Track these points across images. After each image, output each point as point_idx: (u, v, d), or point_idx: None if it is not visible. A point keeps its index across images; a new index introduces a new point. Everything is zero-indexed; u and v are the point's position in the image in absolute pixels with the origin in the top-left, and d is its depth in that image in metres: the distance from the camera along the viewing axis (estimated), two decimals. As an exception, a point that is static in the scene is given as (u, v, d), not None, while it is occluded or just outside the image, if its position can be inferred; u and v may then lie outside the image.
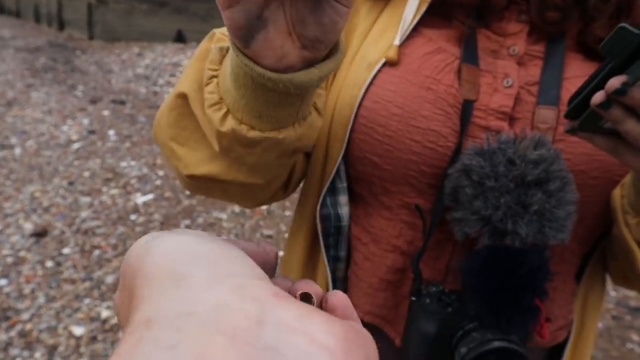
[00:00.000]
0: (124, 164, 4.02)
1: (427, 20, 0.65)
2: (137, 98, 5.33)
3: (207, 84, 0.54)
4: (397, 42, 0.63)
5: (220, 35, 0.59)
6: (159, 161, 4.08)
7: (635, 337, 2.39)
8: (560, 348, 0.70)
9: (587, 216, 0.63)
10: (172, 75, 5.95)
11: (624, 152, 0.49)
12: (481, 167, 0.54)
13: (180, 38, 7.23)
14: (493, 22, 0.65)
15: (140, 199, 3.54)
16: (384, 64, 0.63)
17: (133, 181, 3.76)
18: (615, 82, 0.42)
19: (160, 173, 3.91)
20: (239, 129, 0.51)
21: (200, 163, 0.59)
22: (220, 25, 0.60)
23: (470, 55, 0.62)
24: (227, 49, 0.54)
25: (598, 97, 0.43)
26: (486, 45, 0.64)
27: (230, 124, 0.52)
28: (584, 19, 0.63)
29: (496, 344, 0.54)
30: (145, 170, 3.94)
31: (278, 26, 0.42)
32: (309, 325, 0.20)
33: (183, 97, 0.59)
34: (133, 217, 3.29)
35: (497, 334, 0.55)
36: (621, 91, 0.42)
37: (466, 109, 0.60)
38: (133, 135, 4.52)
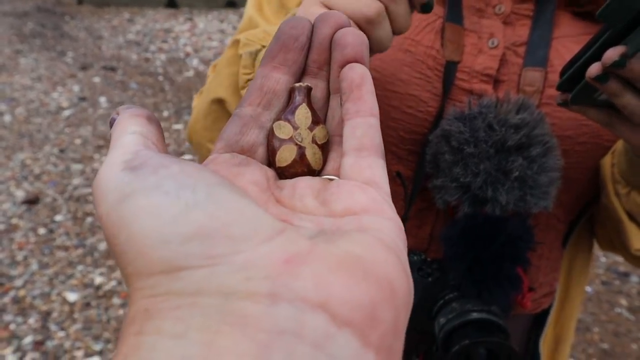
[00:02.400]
0: (115, 131, 3.98)
1: None
2: (129, 64, 5.24)
3: (243, 87, 0.57)
4: None
5: (246, 41, 0.60)
6: (151, 128, 4.04)
7: (623, 301, 2.42)
8: (545, 314, 0.70)
9: (573, 182, 0.61)
10: (164, 41, 5.84)
11: (620, 125, 0.46)
12: (460, 133, 0.53)
13: (171, 3, 7.08)
14: None
15: (132, 166, 3.51)
16: None
17: (125, 149, 3.73)
18: (613, 54, 0.39)
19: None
20: None
21: None
22: None
23: (454, 13, 0.60)
24: (257, 52, 0.57)
25: (594, 69, 0.40)
26: (471, 4, 0.61)
27: None
28: None
29: (474, 315, 0.53)
30: (137, 137, 3.90)
31: None
32: (328, 297, 0.18)
33: (219, 102, 0.61)
34: (125, 184, 3.27)
35: (477, 304, 0.55)
36: (619, 63, 0.39)
37: (449, 71, 0.58)
38: (125, 102, 4.47)
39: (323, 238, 0.20)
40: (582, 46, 0.44)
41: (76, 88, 4.70)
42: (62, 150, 3.64)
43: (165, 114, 4.24)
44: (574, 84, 0.45)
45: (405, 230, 0.64)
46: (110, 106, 4.37)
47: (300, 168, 0.26)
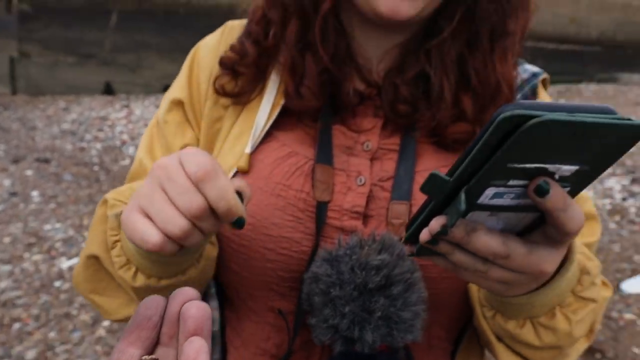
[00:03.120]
0: (48, 226, 3.86)
1: (283, 122, 0.67)
2: (63, 155, 5.17)
3: (112, 247, 0.60)
4: (247, 149, 0.64)
5: (113, 202, 0.63)
6: (85, 222, 3.94)
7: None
8: None
9: (444, 307, 0.65)
10: (100, 129, 5.82)
11: (463, 273, 0.50)
12: (328, 276, 0.56)
13: (108, 90, 7.11)
14: (348, 118, 0.68)
15: (65, 263, 3.39)
16: (237, 172, 0.64)
17: (58, 244, 3.62)
18: (435, 225, 0.43)
19: (87, 234, 3.78)
20: (149, 282, 0.58)
21: (120, 308, 0.65)
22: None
23: (324, 154, 0.65)
24: (121, 213, 0.60)
25: (424, 235, 0.45)
26: (341, 142, 0.66)
27: (141, 279, 0.58)
28: (432, 109, 0.67)
29: None
30: (71, 232, 3.80)
31: None
32: None
33: (94, 257, 0.64)
34: (57, 283, 3.15)
35: None
36: (442, 232, 0.43)
37: (320, 211, 0.62)
38: (58, 195, 4.37)
39: None
40: (421, 205, 0.48)
41: (7, 182, 4.57)
42: (-12, 251, 3.48)
43: (101, 204, 4.16)
44: (417, 239, 0.49)
45: None
46: (43, 200, 4.26)
47: None
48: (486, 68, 0.67)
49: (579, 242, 0.62)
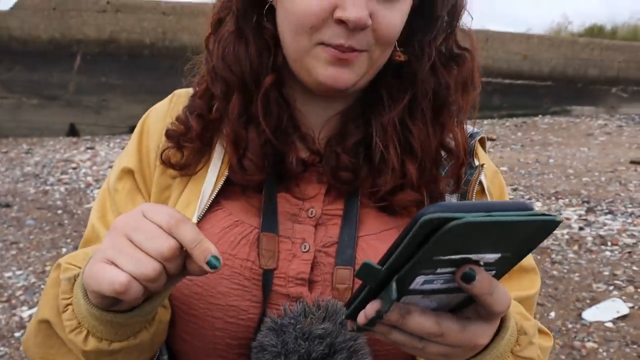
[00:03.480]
0: (8, 274, 3.76)
1: (228, 191, 0.70)
2: (25, 199, 5.07)
3: (64, 311, 0.60)
4: (194, 220, 0.67)
5: (67, 265, 0.64)
6: (48, 268, 3.85)
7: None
8: None
9: None
10: (64, 172, 5.74)
11: (402, 348, 0.52)
12: (273, 346, 0.58)
13: (73, 132, 7.05)
14: (292, 186, 0.71)
15: (26, 312, 3.30)
16: None
17: (18, 293, 3.52)
18: (370, 311, 0.46)
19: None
20: (101, 346, 0.58)
21: None
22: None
23: (268, 223, 0.67)
24: (75, 277, 0.61)
25: (361, 319, 0.47)
26: (286, 209, 0.69)
27: (92, 343, 0.58)
28: (373, 175, 0.70)
29: None
30: (32, 279, 3.70)
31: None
32: None
33: (45, 322, 0.64)
34: (17, 334, 3.06)
35: None
36: (377, 317, 0.46)
37: (266, 278, 0.64)
38: (20, 241, 4.27)
39: None
40: (358, 287, 0.51)
41: (-34, 230, 4.45)
42: (-55, 304, 3.36)
43: (64, 250, 4.08)
44: (356, 317, 0.52)
45: None
46: (3, 247, 4.16)
47: None
48: (428, 137, 0.70)
49: (514, 302, 0.65)
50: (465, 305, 0.50)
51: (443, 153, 0.72)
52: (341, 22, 0.62)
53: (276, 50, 0.69)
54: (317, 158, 0.72)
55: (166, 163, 0.71)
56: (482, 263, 0.45)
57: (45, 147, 6.61)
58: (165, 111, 0.77)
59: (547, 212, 0.43)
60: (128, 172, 0.74)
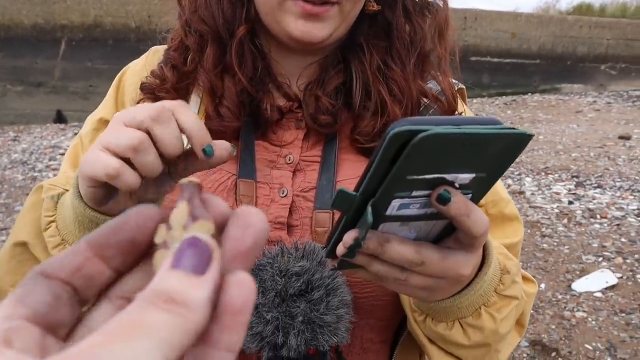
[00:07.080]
0: (-2, 260, 3.74)
1: None
2: (14, 186, 5.03)
3: (47, 229, 0.60)
4: None
5: (49, 186, 0.63)
6: (38, 253, 3.84)
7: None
8: None
9: (377, 309, 0.67)
10: (53, 159, 5.69)
11: (385, 283, 0.52)
12: (251, 285, 0.57)
13: (60, 119, 6.98)
14: (270, 133, 0.70)
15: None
16: None
17: (9, 278, 3.50)
18: (348, 239, 0.45)
19: (40, 266, 3.67)
20: None
21: None
22: (100, 101, 0.78)
23: (246, 170, 0.67)
24: (59, 196, 0.60)
25: (340, 249, 0.47)
26: (264, 157, 0.69)
27: None
28: (353, 119, 0.70)
29: None
30: (22, 264, 3.69)
31: (125, 194, 0.50)
32: None
33: (22, 245, 0.63)
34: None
35: None
36: (356, 246, 0.45)
37: None
38: (9, 228, 4.24)
39: None
40: (337, 221, 0.50)
41: (-46, 218, 4.42)
42: None
43: (54, 235, 4.06)
44: (336, 254, 0.51)
45: None
46: (-7, 234, 4.13)
47: None
48: (408, 82, 0.70)
49: (497, 243, 0.65)
50: (446, 236, 0.49)
51: (425, 100, 0.72)
52: None
53: (249, 4, 0.69)
54: (294, 104, 0.71)
55: None
56: (457, 185, 0.44)
57: (32, 134, 6.54)
58: (142, 66, 0.77)
59: (517, 128, 0.42)
60: (105, 123, 0.74)
